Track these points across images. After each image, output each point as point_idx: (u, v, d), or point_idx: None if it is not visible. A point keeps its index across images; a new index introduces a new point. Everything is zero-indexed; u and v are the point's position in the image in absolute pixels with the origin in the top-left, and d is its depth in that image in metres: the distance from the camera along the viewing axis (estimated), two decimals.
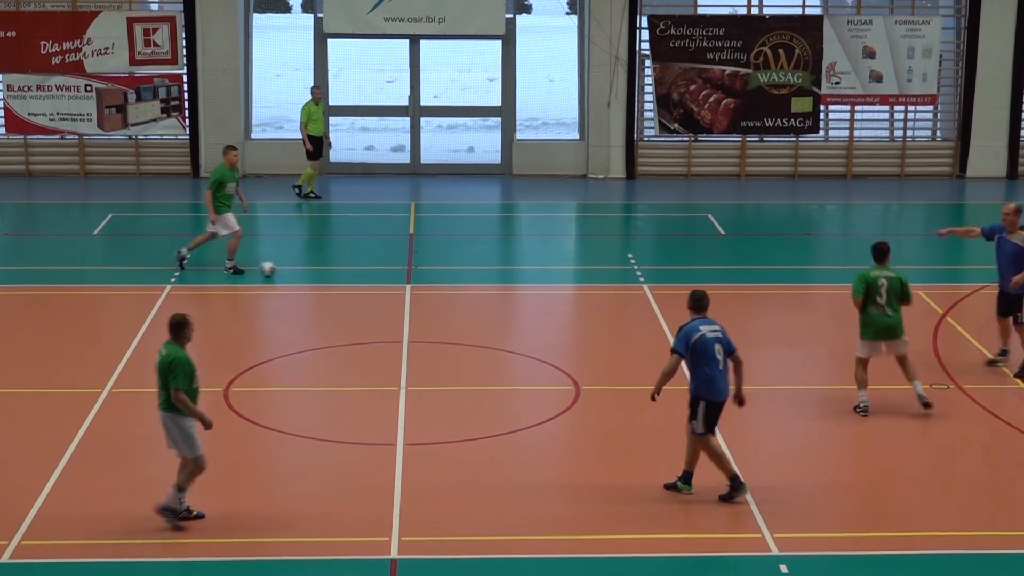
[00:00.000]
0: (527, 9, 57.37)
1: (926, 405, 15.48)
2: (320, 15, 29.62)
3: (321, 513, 13.00)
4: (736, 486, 13.27)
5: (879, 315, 15.50)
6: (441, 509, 13.09)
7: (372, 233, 25.07)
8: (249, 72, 30.23)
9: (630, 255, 23.39)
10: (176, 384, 12.36)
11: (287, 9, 40.44)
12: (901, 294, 15.49)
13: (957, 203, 27.94)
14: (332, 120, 30.29)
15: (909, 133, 30.55)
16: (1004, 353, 17.41)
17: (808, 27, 29.05)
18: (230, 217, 21.30)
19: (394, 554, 12.16)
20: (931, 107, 30.25)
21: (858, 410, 15.61)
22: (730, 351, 13.34)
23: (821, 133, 29.97)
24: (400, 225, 25.39)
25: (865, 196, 28.24)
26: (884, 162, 30.01)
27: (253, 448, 14.90)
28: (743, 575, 12.06)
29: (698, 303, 13.52)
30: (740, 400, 13.45)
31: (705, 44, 28.96)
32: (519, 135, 30.68)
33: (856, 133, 30.06)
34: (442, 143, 34.82)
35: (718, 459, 13.32)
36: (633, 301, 20.52)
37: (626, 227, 26.92)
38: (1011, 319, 17.21)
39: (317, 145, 27.62)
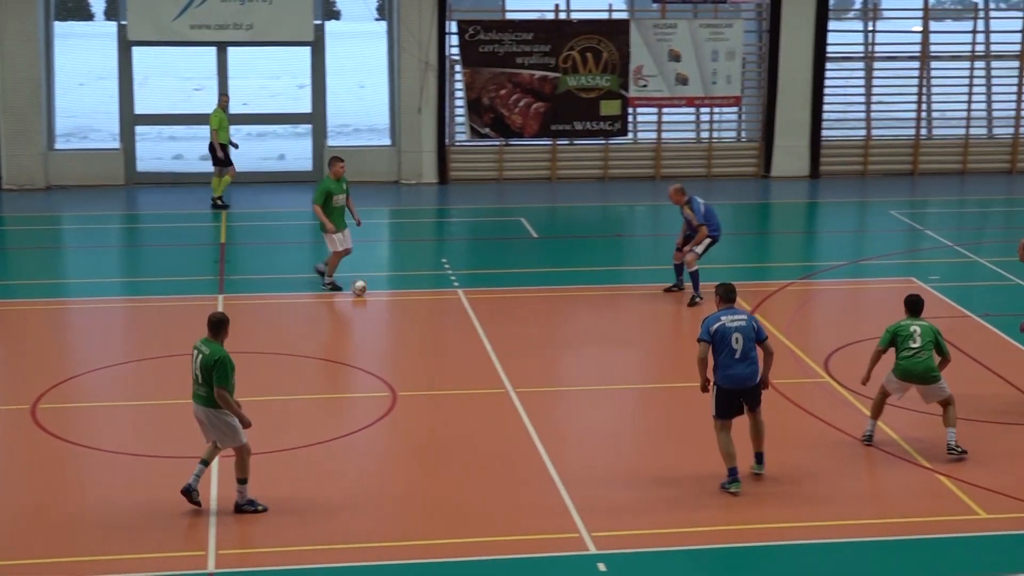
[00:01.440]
0: (336, 15, 57.07)
1: (956, 452, 14.86)
2: (124, 23, 29.07)
3: (135, 526, 12.76)
4: (731, 481, 13.70)
5: (908, 360, 14.98)
6: (259, 520, 12.96)
7: (182, 244, 24.70)
8: (51, 81, 29.53)
9: (444, 260, 23.42)
10: (221, 383, 12.72)
11: (90, 17, 39.57)
12: (936, 343, 15.11)
13: (762, 202, 28.55)
14: (138, 129, 29.86)
15: (715, 134, 31.12)
16: None
17: (615, 31, 29.39)
18: (340, 235, 20.86)
19: (211, 568, 12.00)
20: (735, 109, 30.82)
21: (863, 439, 15.37)
22: (760, 339, 13.91)
23: (630, 135, 30.35)
24: (211, 235, 25.07)
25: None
26: (691, 163, 30.53)
27: (61, 464, 14.57)
28: (562, 575, 12.16)
29: (726, 294, 14.15)
30: (764, 383, 14.07)
31: (514, 49, 29.12)
32: (330, 141, 30.50)
33: (664, 135, 30.51)
34: (252, 151, 34.39)
35: (722, 447, 13.80)
36: (448, 306, 20.54)
37: (439, 232, 26.96)
38: None
39: (226, 151, 27.27)
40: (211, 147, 27.39)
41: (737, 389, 13.78)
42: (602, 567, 12.22)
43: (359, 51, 36.25)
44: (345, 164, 21.03)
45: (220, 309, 19.85)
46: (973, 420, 15.89)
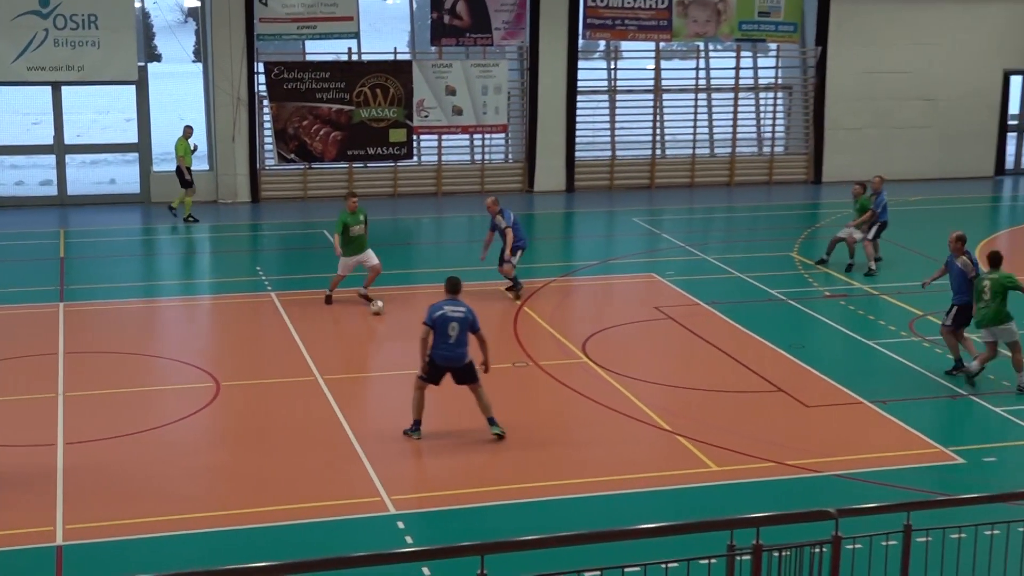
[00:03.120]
0: (157, 58, 55.95)
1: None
2: None
3: None
4: (414, 429, 14.38)
5: (980, 311, 16.24)
6: (101, 497, 12.67)
7: (24, 259, 23.91)
8: None
9: (258, 268, 23.17)
10: None
11: None
12: (1004, 292, 16.06)
13: (528, 213, 28.85)
14: None
15: (487, 156, 31.32)
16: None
17: (400, 70, 29.40)
18: (352, 259, 20.19)
19: (59, 541, 11.70)
20: (503, 134, 31.08)
21: (954, 369, 16.82)
22: (473, 330, 14.25)
23: (415, 159, 30.37)
24: (51, 251, 24.31)
25: (455, 210, 28.82)
26: (468, 181, 30.68)
27: None
28: (365, 534, 12.15)
29: (451, 287, 14.47)
30: (486, 367, 14.50)
31: (314, 86, 28.91)
32: (155, 167, 29.86)
33: (444, 158, 30.61)
34: (87, 176, 33.54)
35: (415, 401, 14.39)
36: (263, 307, 20.31)
37: (254, 244, 26.60)
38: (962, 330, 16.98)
39: (191, 174, 26.94)
40: (178, 170, 26.94)
41: (445, 366, 14.26)
42: (400, 524, 12.26)
43: (179, 88, 35.56)
44: (357, 200, 20.55)
45: (61, 316, 19.32)
46: (702, 390, 16.34)
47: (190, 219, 26.86)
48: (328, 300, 20.25)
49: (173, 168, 27.41)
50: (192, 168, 27.23)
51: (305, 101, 28.90)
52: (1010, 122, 33.80)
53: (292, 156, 29.10)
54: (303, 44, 29.88)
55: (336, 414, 15.30)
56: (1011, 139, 34.10)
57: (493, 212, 21.03)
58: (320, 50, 30.04)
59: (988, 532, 8.93)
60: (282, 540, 11.92)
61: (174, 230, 26.45)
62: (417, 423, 14.42)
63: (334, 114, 29.11)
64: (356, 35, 29.20)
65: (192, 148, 27.17)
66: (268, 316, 19.79)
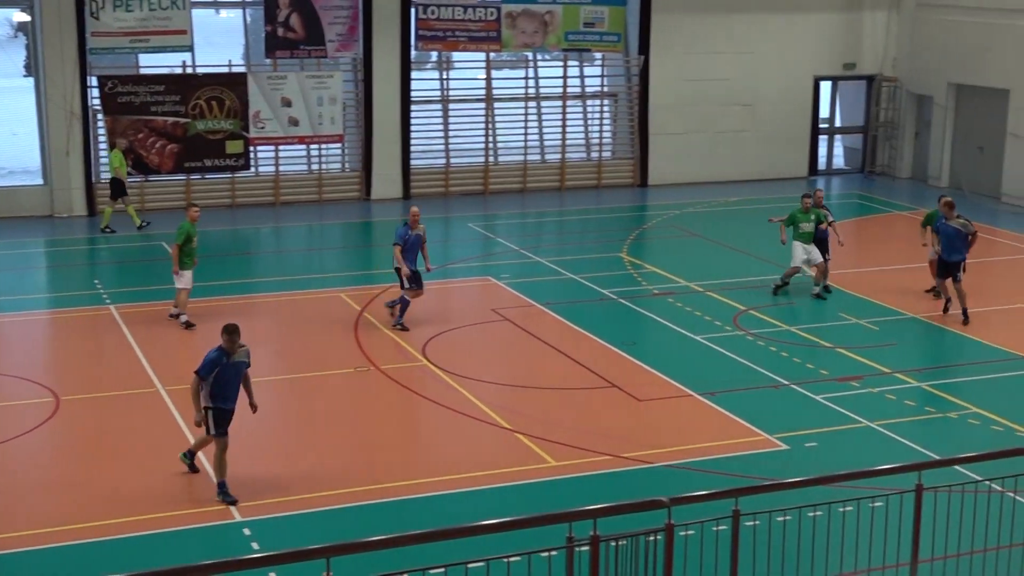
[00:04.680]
0: None
1: None
2: None
3: None
4: (223, 493, 12.88)
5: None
6: None
7: None
8: None
9: (96, 281, 22.58)
10: None
11: None
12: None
13: (366, 221, 28.70)
14: None
15: (324, 166, 31.03)
16: (949, 300, 20.20)
17: (235, 82, 28.97)
18: (189, 274, 19.12)
19: None
20: (340, 144, 30.85)
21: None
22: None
23: (252, 169, 29.96)
24: None
25: (291, 219, 28.49)
26: (305, 191, 30.36)
27: None
28: (212, 543, 11.95)
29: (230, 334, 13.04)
30: (253, 408, 13.29)
31: (149, 99, 28.29)
32: None
33: (281, 168, 30.24)
34: None
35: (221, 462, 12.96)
36: (102, 320, 19.79)
37: (91, 258, 25.87)
38: (951, 279, 19.86)
39: (123, 184, 26.65)
40: (113, 181, 26.58)
41: (231, 409, 13.01)
42: (247, 532, 12.09)
43: (10, 103, 34.44)
44: (199, 210, 19.85)
45: None
46: (539, 388, 16.47)
47: (108, 230, 26.43)
48: (188, 325, 19.12)
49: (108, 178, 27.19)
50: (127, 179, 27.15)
51: (140, 114, 28.26)
52: (821, 125, 34.88)
53: (129, 169, 28.40)
54: (136, 57, 29.24)
55: (179, 424, 15.00)
56: (823, 141, 35.19)
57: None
58: (154, 63, 29.39)
59: (811, 514, 9.20)
60: (129, 552, 11.64)
61: (6, 246, 25.60)
62: (222, 484, 12.91)
63: (170, 126, 28.53)
64: (190, 48, 28.67)
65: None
66: (107, 329, 19.29)
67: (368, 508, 12.74)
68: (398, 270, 19.49)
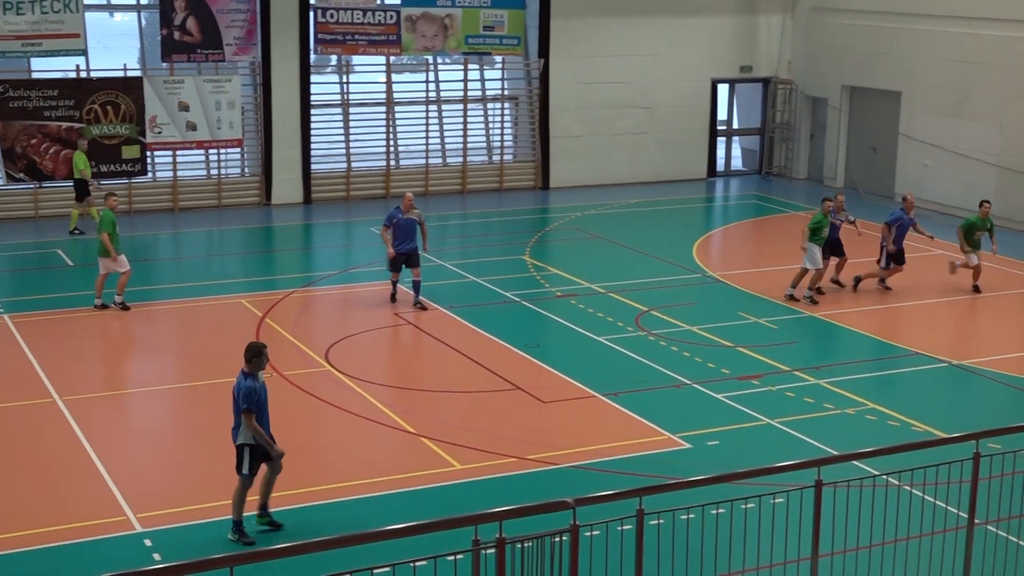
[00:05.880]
0: None
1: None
2: None
3: None
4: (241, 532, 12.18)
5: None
6: None
7: None
8: None
9: None
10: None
11: None
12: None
13: (266, 226, 28.43)
14: None
15: (223, 171, 30.67)
16: (836, 282, 22.10)
17: (130, 87, 28.53)
18: (123, 257, 20.20)
19: None
20: (239, 149, 30.53)
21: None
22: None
23: (149, 175, 29.53)
24: None
25: (191, 225, 28.10)
26: (204, 196, 30.00)
27: None
28: (112, 554, 11.74)
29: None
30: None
31: (42, 104, 27.75)
32: None
33: (179, 173, 29.84)
34: None
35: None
36: None
37: None
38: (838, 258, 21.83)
39: (87, 185, 26.52)
40: (78, 182, 26.49)
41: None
42: (148, 542, 11.90)
43: None
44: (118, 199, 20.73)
45: None
46: (444, 392, 16.45)
47: (76, 231, 26.41)
48: (124, 307, 20.25)
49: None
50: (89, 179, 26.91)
51: (33, 119, 27.71)
52: (719, 127, 35.31)
53: (21, 175, 27.85)
54: (29, 61, 28.65)
55: (77, 435, 14.71)
56: (720, 143, 35.63)
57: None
58: (47, 67, 28.83)
59: (715, 511, 9.28)
60: (29, 565, 11.40)
61: None
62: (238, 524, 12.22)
63: (64, 132, 28.00)
64: (84, 52, 28.17)
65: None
66: (1, 339, 18.86)
67: (272, 515, 12.59)
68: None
